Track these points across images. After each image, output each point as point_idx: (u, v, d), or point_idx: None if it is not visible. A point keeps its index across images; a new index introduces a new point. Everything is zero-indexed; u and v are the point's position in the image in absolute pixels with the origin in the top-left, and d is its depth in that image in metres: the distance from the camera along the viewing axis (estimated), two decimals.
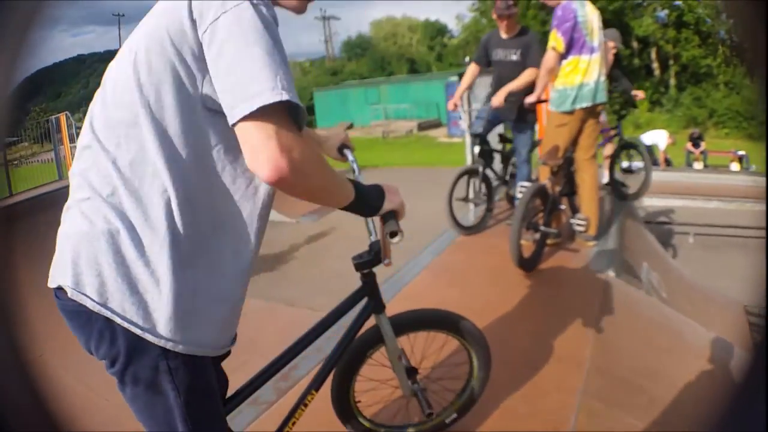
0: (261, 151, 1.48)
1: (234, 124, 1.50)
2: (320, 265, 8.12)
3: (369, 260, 2.60)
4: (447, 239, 7.04)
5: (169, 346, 1.65)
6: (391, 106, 40.42)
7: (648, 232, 8.51)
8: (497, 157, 7.81)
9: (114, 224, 1.62)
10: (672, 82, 30.22)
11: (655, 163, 8.42)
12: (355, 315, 2.75)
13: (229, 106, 1.50)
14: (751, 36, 1.19)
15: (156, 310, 1.63)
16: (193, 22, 1.55)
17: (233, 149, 1.65)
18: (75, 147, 9.45)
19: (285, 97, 1.46)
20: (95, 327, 1.65)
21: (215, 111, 1.61)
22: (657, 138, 15.25)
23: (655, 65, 30.72)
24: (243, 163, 1.66)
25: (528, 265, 5.84)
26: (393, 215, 2.19)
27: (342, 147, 2.78)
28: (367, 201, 2.03)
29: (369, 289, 2.73)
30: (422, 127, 34.25)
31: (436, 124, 34.93)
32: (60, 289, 1.67)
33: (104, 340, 1.65)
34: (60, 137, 12.21)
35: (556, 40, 5.99)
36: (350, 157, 2.81)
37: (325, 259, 8.43)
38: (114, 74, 1.74)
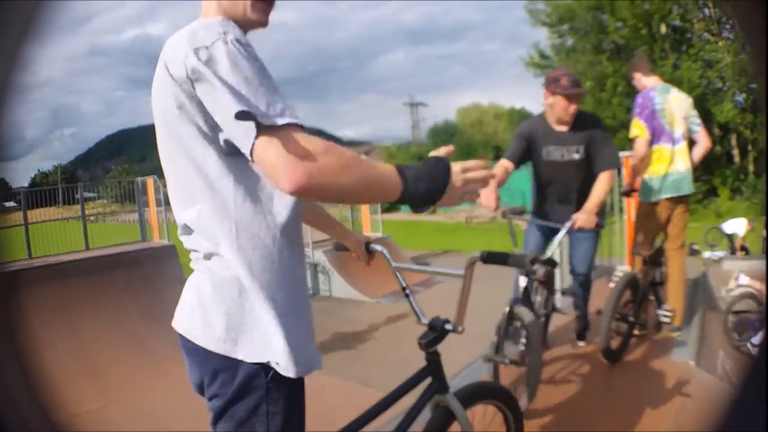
0: (276, 169, 1.53)
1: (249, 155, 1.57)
2: (399, 346, 8.05)
3: (435, 338, 2.62)
4: None
5: (291, 373, 1.78)
6: None
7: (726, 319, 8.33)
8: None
9: (220, 275, 1.80)
10: (751, 168, 29.63)
11: (733, 251, 8.23)
12: (419, 395, 2.72)
13: (234, 139, 1.61)
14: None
15: (274, 342, 1.77)
16: (181, 68, 1.65)
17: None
18: (161, 210, 9.63)
19: (281, 121, 1.54)
20: (211, 366, 1.80)
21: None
22: (736, 227, 15.00)
23: (735, 152, 30.15)
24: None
25: (614, 356, 5.68)
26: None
27: (368, 243, 2.76)
28: (428, 179, 1.83)
29: (433, 369, 2.73)
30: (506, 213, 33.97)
31: (521, 211, 34.59)
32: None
33: (218, 378, 1.80)
34: (145, 200, 12.42)
35: (639, 127, 5.97)
36: (379, 248, 2.80)
37: (404, 340, 8.33)
38: (160, 146, 1.93)
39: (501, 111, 66.38)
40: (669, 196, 6.02)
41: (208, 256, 1.84)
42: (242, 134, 1.55)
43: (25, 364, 1.66)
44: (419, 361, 6.00)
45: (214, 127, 1.70)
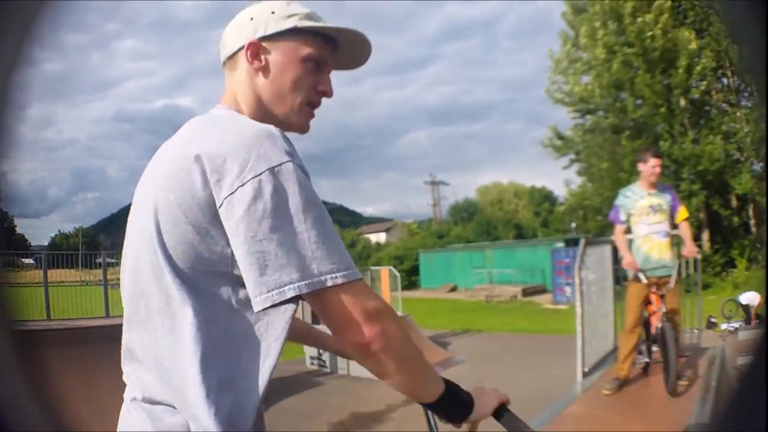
0: (352, 319, 1.41)
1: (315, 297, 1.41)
2: (417, 427, 7.89)
3: None
4: (554, 411, 6.77)
5: None
6: (496, 270, 39.97)
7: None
8: None
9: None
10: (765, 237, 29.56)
11: (748, 321, 8.25)
12: None
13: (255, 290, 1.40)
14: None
15: None
16: (208, 188, 1.44)
17: None
18: None
19: (344, 279, 1.40)
20: None
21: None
22: (750, 297, 14.86)
23: (753, 222, 30.05)
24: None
25: None
26: (506, 409, 1.80)
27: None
28: (462, 401, 1.70)
29: None
30: (527, 292, 33.86)
31: (541, 290, 34.55)
32: None
33: None
34: None
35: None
36: None
37: (422, 422, 8.24)
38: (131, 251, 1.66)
39: (521, 189, 66.61)
40: None
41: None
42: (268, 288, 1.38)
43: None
44: None
45: (230, 263, 1.48)
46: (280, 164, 1.41)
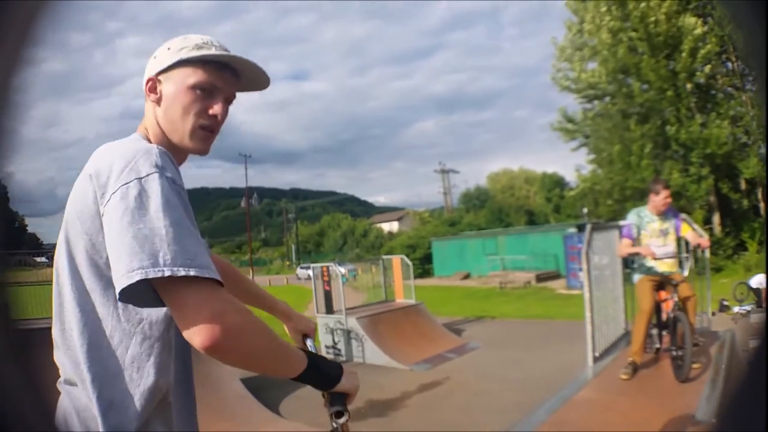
0: (195, 318, 1.51)
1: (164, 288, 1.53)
2: (432, 414, 7.99)
3: None
4: (564, 396, 6.82)
5: None
6: (509, 257, 40.19)
7: None
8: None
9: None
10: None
11: (759, 304, 8.40)
12: None
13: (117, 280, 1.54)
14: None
15: None
16: (97, 202, 1.66)
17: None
18: None
19: (192, 273, 1.51)
20: None
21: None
22: (761, 281, 14.93)
23: (762, 205, 29.89)
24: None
25: None
26: (342, 396, 2.02)
27: (305, 336, 2.52)
28: (324, 371, 1.91)
29: None
30: (541, 278, 33.78)
31: (555, 276, 34.51)
32: None
33: None
34: None
35: None
36: (310, 346, 2.59)
37: (438, 408, 8.30)
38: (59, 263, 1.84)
39: (532, 175, 66.29)
40: None
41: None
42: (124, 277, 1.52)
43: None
44: (452, 430, 5.92)
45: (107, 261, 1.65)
46: (147, 175, 1.60)
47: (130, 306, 1.70)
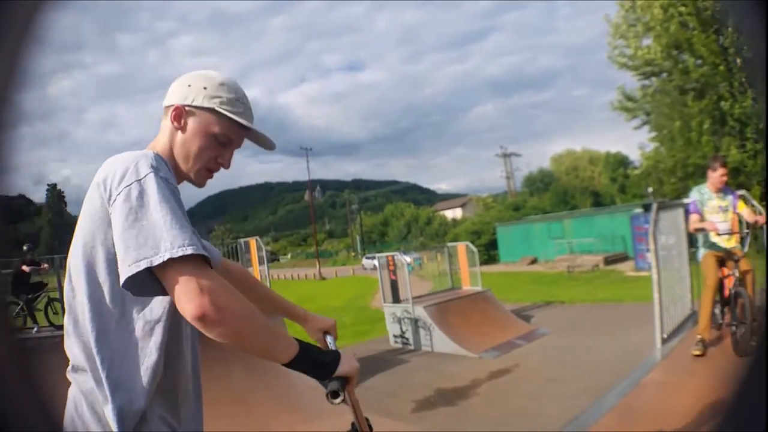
0: (185, 294, 1.71)
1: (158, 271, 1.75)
2: (502, 402, 7.96)
3: None
4: (634, 380, 6.74)
5: None
6: (576, 240, 39.76)
7: None
8: None
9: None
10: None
11: None
12: None
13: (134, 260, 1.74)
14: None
15: None
16: (105, 205, 1.87)
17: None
18: (263, 269, 9.76)
19: (181, 252, 1.71)
20: None
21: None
22: None
23: None
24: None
25: None
26: (342, 379, 2.05)
27: (325, 332, 2.63)
28: (316, 360, 2.02)
29: None
30: (609, 261, 33.41)
31: (623, 258, 34.11)
32: None
33: None
34: (248, 258, 12.64)
35: None
36: (331, 344, 2.62)
37: (508, 396, 8.27)
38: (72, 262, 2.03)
39: (596, 155, 65.46)
40: None
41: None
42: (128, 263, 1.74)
43: None
44: (522, 417, 5.90)
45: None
46: (145, 176, 1.84)
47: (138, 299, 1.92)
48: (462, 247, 16.59)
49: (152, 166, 1.89)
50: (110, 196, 1.86)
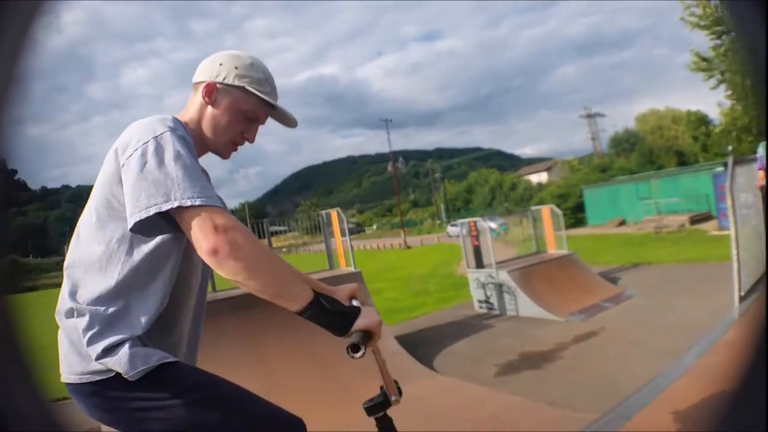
0: (202, 232, 1.91)
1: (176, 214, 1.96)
2: (587, 365, 7.96)
3: (379, 403, 2.35)
4: (711, 339, 6.66)
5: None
6: (662, 200, 39.05)
7: None
8: None
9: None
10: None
11: None
12: None
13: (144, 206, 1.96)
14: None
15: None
16: (118, 164, 2.09)
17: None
18: (345, 240, 9.92)
19: (198, 202, 1.93)
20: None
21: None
22: None
23: None
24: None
25: None
26: (363, 334, 2.07)
27: (351, 297, 2.62)
28: (333, 311, 2.05)
29: None
30: (694, 220, 32.89)
31: (707, 217, 33.52)
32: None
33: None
34: (331, 230, 12.75)
35: None
36: (357, 304, 2.52)
37: (593, 359, 8.26)
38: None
39: (678, 114, 63.93)
40: None
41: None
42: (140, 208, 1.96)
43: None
44: (607, 380, 5.88)
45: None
46: (161, 134, 2.05)
47: (142, 242, 2.12)
48: (546, 210, 16.40)
49: (169, 127, 2.10)
50: (125, 154, 2.05)
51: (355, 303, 2.52)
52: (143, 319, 2.11)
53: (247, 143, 2.51)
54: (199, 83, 2.40)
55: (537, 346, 9.37)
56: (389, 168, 76.41)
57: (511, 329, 11.10)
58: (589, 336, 9.73)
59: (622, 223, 41.64)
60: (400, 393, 2.34)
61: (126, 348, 2.04)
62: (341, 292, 2.61)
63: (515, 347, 9.48)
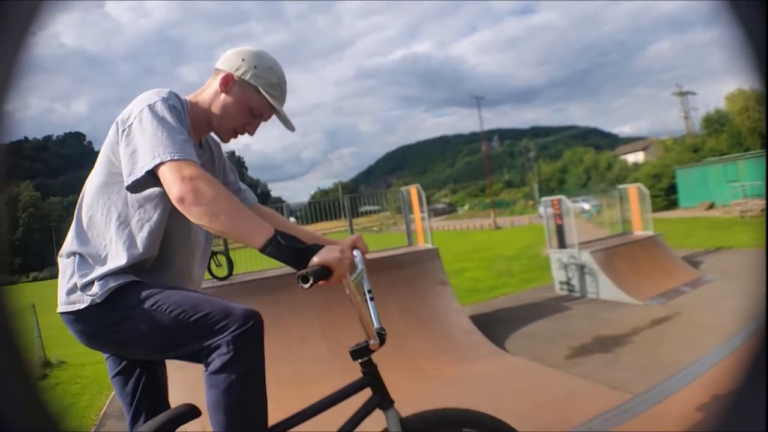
0: (172, 182, 2.22)
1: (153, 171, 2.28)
2: (657, 350, 8.04)
3: (362, 348, 2.52)
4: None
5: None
6: (749, 183, 38.27)
7: None
8: None
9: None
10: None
11: None
12: (359, 407, 2.61)
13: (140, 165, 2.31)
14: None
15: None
16: (117, 135, 2.45)
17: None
18: (424, 218, 10.07)
19: (175, 157, 2.25)
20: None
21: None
22: None
23: None
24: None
25: None
26: (322, 269, 2.19)
27: (353, 247, 2.86)
28: (291, 244, 2.23)
29: (370, 381, 2.62)
30: None
31: None
32: None
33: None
34: (411, 207, 12.79)
35: None
36: (356, 256, 2.80)
37: (664, 344, 8.32)
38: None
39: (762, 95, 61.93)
40: None
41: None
42: (148, 159, 2.29)
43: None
44: (670, 365, 5.98)
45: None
46: (154, 102, 2.40)
47: (135, 199, 2.50)
48: (633, 190, 16.15)
49: (162, 97, 2.44)
50: (125, 123, 2.41)
51: (356, 253, 2.81)
52: (126, 256, 2.47)
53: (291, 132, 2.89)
54: (218, 70, 2.71)
55: (612, 330, 9.48)
56: (483, 147, 76.10)
57: (589, 312, 11.21)
58: (663, 320, 9.81)
59: (711, 206, 40.71)
60: (382, 340, 2.54)
61: (101, 281, 2.44)
62: (346, 244, 2.82)
63: (590, 330, 9.57)
